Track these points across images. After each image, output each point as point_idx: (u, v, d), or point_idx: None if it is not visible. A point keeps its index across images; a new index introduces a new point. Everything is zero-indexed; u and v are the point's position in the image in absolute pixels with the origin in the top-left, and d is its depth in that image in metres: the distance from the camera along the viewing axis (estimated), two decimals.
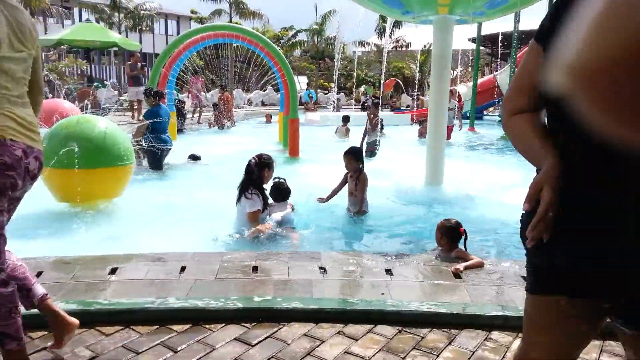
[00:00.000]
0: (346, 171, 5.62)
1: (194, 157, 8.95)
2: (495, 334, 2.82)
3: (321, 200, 5.70)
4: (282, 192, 5.12)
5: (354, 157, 5.51)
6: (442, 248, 4.03)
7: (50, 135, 5.52)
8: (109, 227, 5.04)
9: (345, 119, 13.59)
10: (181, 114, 13.96)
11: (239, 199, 4.93)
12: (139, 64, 15.90)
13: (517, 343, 2.73)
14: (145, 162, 8.00)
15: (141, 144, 7.51)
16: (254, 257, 3.76)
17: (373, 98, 18.10)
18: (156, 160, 7.90)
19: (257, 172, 4.95)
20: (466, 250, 3.97)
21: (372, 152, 9.71)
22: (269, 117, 17.38)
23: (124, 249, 4.11)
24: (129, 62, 16.21)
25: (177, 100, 14.38)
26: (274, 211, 5.00)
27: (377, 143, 9.95)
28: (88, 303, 2.91)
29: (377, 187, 6.39)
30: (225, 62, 26.81)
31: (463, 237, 4.01)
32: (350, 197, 5.59)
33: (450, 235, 4.01)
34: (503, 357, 2.60)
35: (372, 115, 9.79)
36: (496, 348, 2.68)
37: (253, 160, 5.00)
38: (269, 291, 3.15)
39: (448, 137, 12.60)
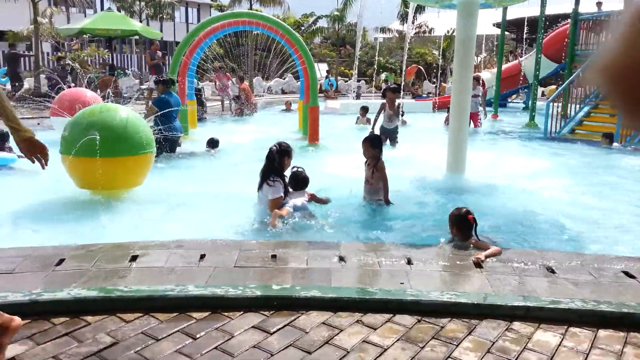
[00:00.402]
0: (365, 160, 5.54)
1: (212, 142, 8.86)
2: (517, 325, 2.77)
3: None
4: (300, 181, 5.11)
5: (370, 144, 5.44)
6: (456, 237, 3.98)
7: (72, 123, 5.59)
8: (130, 215, 5.09)
9: (364, 109, 13.45)
10: (201, 103, 14.10)
11: (260, 186, 4.95)
12: (159, 52, 15.96)
13: (539, 334, 2.69)
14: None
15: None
16: (273, 245, 3.76)
17: (393, 84, 17.89)
18: (161, 149, 7.76)
19: (278, 159, 4.97)
20: (477, 237, 3.92)
21: (393, 140, 9.45)
22: (288, 105, 17.29)
23: (144, 237, 4.16)
24: (149, 51, 16.31)
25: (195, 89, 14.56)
26: (291, 199, 5.00)
27: (396, 130, 9.71)
28: (109, 290, 2.94)
29: (398, 175, 6.33)
30: (245, 50, 26.78)
31: (474, 224, 3.95)
32: (365, 185, 5.54)
33: (459, 224, 3.95)
34: (524, 348, 2.55)
35: (391, 101, 9.49)
36: (517, 339, 2.64)
37: (274, 148, 5.01)
38: (288, 279, 3.15)
39: (475, 125, 12.43)
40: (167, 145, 7.92)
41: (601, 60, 0.74)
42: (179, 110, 8.27)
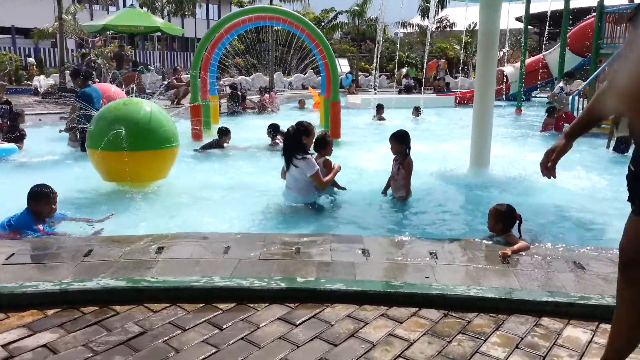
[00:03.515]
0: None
1: (222, 131, 8.64)
2: (546, 320, 2.73)
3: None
4: (327, 143, 5.30)
5: (397, 140, 5.36)
6: (495, 234, 3.92)
7: (98, 118, 5.67)
8: (155, 207, 5.14)
9: (380, 108, 13.35)
10: (236, 97, 14.42)
11: (288, 167, 5.03)
12: (183, 78, 16.30)
13: (568, 330, 2.64)
14: (68, 141, 8.02)
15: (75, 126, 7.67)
16: (297, 238, 3.76)
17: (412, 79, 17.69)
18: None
19: (296, 138, 5.04)
20: (520, 235, 3.86)
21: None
22: (302, 103, 16.93)
23: (170, 229, 4.21)
24: (174, 77, 16.72)
25: (232, 83, 15.24)
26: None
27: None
28: (136, 280, 2.98)
29: (422, 170, 6.29)
30: (266, 45, 26.84)
31: (518, 221, 3.90)
32: (392, 181, 5.49)
33: (507, 221, 3.89)
34: (554, 344, 2.51)
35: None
36: (546, 334, 2.60)
37: (291, 128, 5.07)
38: (312, 272, 3.15)
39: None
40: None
41: (620, 85, 0.78)
42: (99, 103, 7.97)
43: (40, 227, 4.17)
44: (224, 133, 8.55)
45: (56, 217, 4.43)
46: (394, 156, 5.47)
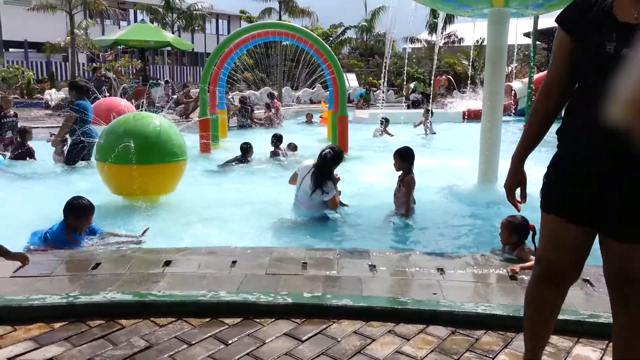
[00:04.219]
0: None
1: (244, 148, 8.68)
2: (554, 339, 2.69)
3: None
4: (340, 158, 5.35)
5: (400, 157, 5.25)
6: (508, 246, 3.89)
7: (107, 131, 5.72)
8: (163, 221, 5.16)
9: (386, 121, 13.35)
10: (246, 110, 14.66)
11: (314, 191, 5.09)
12: (191, 94, 16.53)
13: (577, 348, 2.61)
14: (53, 155, 7.99)
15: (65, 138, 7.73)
16: (303, 253, 3.75)
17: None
18: (74, 155, 7.73)
19: (331, 164, 5.16)
20: (535, 247, 3.83)
21: None
22: (310, 117, 16.75)
23: (176, 243, 4.21)
24: (182, 92, 16.96)
25: (241, 97, 15.60)
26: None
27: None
28: (143, 294, 2.98)
29: (428, 184, 6.28)
30: (274, 60, 27.06)
31: (532, 233, 3.87)
32: (394, 197, 5.39)
33: (520, 232, 3.86)
34: None
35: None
36: (555, 353, 2.57)
37: (328, 153, 5.14)
38: (319, 287, 3.14)
39: None
40: (84, 152, 7.73)
41: (627, 95, 0.83)
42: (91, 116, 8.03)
43: (81, 242, 4.14)
44: (247, 150, 8.63)
45: (93, 231, 4.36)
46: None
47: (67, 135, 7.83)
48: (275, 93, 18.60)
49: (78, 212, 4.19)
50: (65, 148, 7.92)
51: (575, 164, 1.98)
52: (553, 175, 2.10)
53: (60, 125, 8.36)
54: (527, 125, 2.19)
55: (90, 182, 6.43)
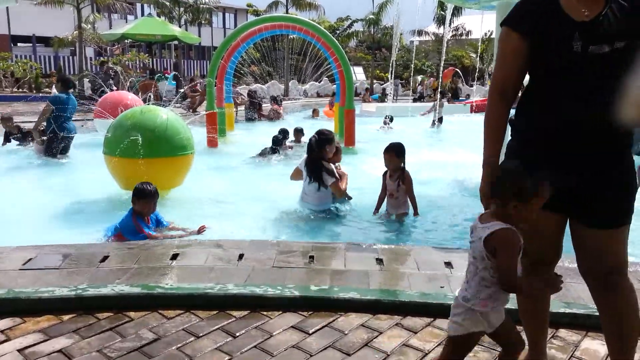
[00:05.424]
0: (384, 171, 5.09)
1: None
2: (563, 332, 2.68)
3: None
4: (337, 151, 5.32)
5: (395, 153, 4.91)
6: None
7: (115, 125, 5.74)
8: (170, 214, 5.17)
9: (389, 119, 13.31)
10: (253, 105, 14.77)
11: (310, 181, 5.04)
12: (198, 87, 16.57)
13: (586, 342, 2.60)
14: (34, 146, 8.05)
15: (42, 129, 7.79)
16: (310, 246, 3.75)
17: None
18: (52, 147, 7.76)
19: (318, 149, 5.03)
20: None
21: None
22: (316, 113, 16.54)
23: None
24: (189, 88, 16.97)
25: (249, 91, 15.85)
26: None
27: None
28: (151, 287, 2.99)
29: (435, 179, 6.25)
30: (281, 54, 27.02)
31: None
32: (390, 199, 5.06)
33: None
34: (572, 356, 2.47)
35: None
36: (564, 346, 2.56)
37: (313, 138, 5.05)
38: (326, 280, 3.14)
39: None
40: (61, 145, 7.77)
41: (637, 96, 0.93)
42: (74, 111, 8.14)
43: (146, 231, 4.30)
44: (280, 140, 8.90)
45: (159, 222, 4.59)
46: (384, 172, 5.11)
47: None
48: (280, 97, 18.57)
49: (143, 196, 4.41)
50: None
51: (550, 158, 2.01)
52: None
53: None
54: (489, 130, 2.15)
55: (62, 177, 6.51)
